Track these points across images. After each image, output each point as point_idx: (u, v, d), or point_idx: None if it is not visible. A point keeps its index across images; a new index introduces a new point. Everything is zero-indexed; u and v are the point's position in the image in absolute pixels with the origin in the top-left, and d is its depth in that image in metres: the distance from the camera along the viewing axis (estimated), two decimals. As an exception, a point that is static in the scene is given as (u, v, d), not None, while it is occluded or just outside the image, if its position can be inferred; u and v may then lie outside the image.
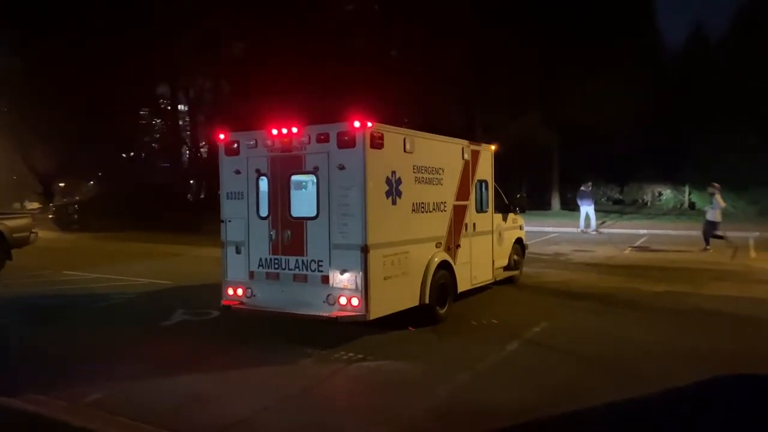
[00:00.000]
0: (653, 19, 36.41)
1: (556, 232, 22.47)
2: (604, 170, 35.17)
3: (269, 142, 7.79)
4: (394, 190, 7.67)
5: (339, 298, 7.30)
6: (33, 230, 14.87)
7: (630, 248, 17.65)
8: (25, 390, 6.00)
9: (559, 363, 6.83)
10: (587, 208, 21.66)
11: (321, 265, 7.47)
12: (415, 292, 8.11)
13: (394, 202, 7.67)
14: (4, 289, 11.86)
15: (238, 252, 8.12)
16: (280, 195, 7.79)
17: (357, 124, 7.11)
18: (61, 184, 45.75)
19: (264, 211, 7.93)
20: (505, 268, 11.50)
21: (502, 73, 27.03)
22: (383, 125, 7.49)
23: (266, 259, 7.89)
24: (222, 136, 8.24)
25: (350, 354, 7.10)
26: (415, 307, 8.16)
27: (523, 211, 12.08)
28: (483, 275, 10.13)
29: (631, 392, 1.75)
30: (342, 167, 7.25)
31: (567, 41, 27.19)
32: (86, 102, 29.35)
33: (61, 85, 29.56)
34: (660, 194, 35.59)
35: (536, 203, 35.51)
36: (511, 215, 11.72)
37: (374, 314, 7.26)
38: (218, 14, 31.93)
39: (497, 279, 10.76)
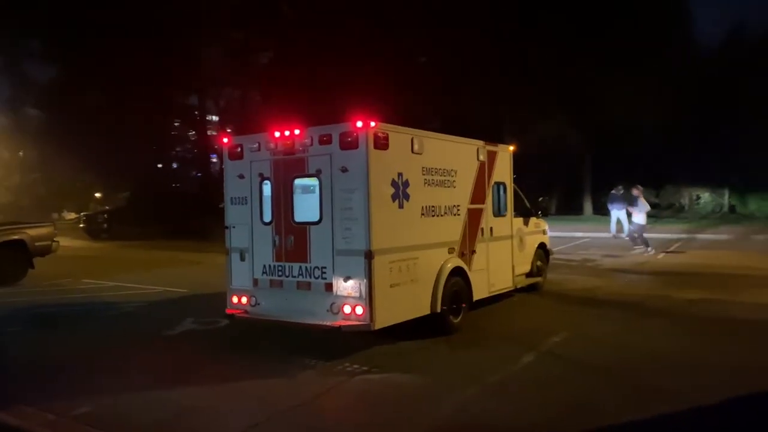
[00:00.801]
0: (690, 18, 35.33)
1: (586, 238, 21.75)
2: (640, 173, 34.18)
3: (272, 145, 7.52)
4: (401, 192, 7.30)
5: (343, 306, 6.96)
6: (55, 239, 14.93)
7: (663, 253, 16.87)
8: (16, 400, 5.87)
9: (576, 376, 6.35)
10: (618, 213, 20.83)
11: (324, 272, 7.14)
12: (425, 301, 7.71)
13: (401, 206, 7.30)
14: (20, 297, 11.89)
15: (242, 259, 7.86)
16: (283, 199, 7.50)
17: (359, 123, 6.77)
18: (97, 195, 46.75)
19: (267, 217, 7.65)
20: (528, 275, 11.00)
21: (531, 75, 26.38)
22: (388, 125, 7.14)
23: (270, 266, 7.60)
24: (225, 140, 8.00)
25: (355, 366, 6.75)
26: (426, 316, 7.76)
27: (545, 215, 11.55)
28: (502, 282, 9.66)
29: (651, 410, 1.36)
30: (345, 169, 6.92)
31: (599, 41, 26.38)
32: (122, 114, 29.91)
33: (98, 98, 30.22)
34: (698, 198, 34.36)
35: (568, 208, 34.75)
36: (533, 219, 11.22)
37: (380, 324, 6.89)
38: (245, 24, 32.34)
39: (518, 286, 10.27)
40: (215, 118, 39.87)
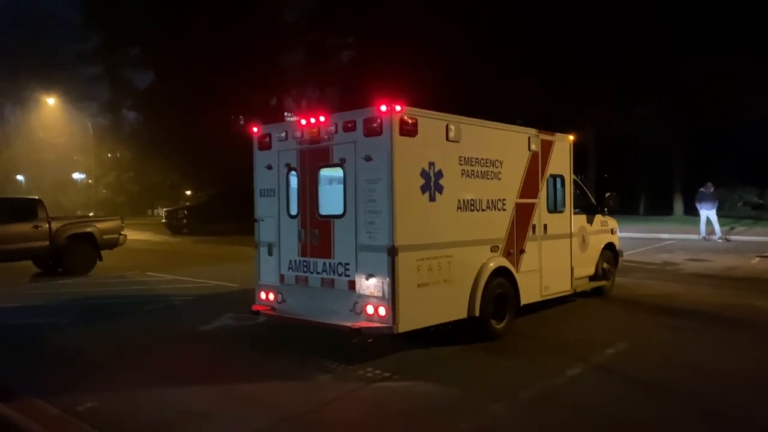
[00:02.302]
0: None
1: (672, 239, 19.99)
2: (741, 170, 31.22)
3: (298, 134, 7.10)
4: (432, 184, 6.65)
5: (366, 306, 6.42)
6: (122, 232, 15.38)
7: (758, 257, 15.06)
8: (30, 392, 5.80)
9: (625, 396, 5.47)
10: (708, 212, 19.00)
11: (348, 269, 6.63)
12: (461, 303, 7.03)
13: (432, 198, 6.66)
14: (83, 288, 12.23)
15: (270, 253, 7.51)
16: (309, 191, 7.06)
17: (383, 108, 6.21)
18: (188, 192, 48.81)
19: (294, 209, 7.24)
20: (591, 278, 10.00)
21: (612, 61, 24.57)
22: (418, 110, 6.51)
23: (296, 262, 7.19)
24: (255, 130, 7.68)
25: (376, 372, 6.20)
26: (465, 320, 7.09)
27: (612, 212, 10.46)
28: (558, 285, 8.76)
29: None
30: (369, 158, 6.38)
31: (691, 18, 24.00)
32: (208, 116, 31.02)
33: (187, 101, 31.52)
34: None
35: (656, 207, 32.36)
36: (599, 217, 10.20)
37: (404, 327, 6.29)
38: (323, 25, 32.75)
39: (578, 290, 9.31)
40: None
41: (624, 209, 30.98)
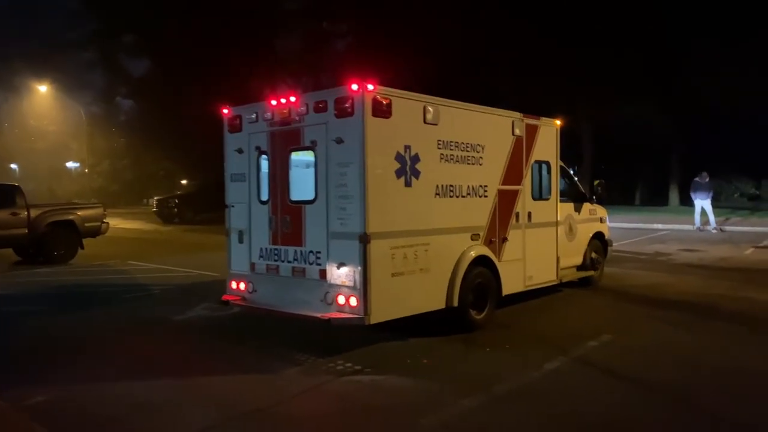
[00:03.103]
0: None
1: (666, 230, 19.72)
2: (737, 162, 30.94)
3: (269, 115, 6.78)
4: (408, 168, 6.35)
5: (337, 296, 6.13)
6: (104, 220, 15.06)
7: (753, 248, 14.79)
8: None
9: (603, 391, 5.20)
10: (702, 202, 18.70)
11: (319, 258, 6.33)
12: (439, 293, 6.75)
13: (408, 183, 6.35)
14: (61, 277, 11.94)
15: (240, 241, 7.21)
16: (280, 176, 6.75)
17: (355, 87, 5.88)
18: (183, 181, 48.44)
19: (265, 195, 6.94)
20: (579, 268, 9.73)
21: (609, 51, 24.16)
22: (393, 90, 6.19)
23: (267, 250, 6.90)
24: (225, 111, 7.35)
25: (348, 364, 5.92)
26: (440, 310, 6.80)
27: (601, 200, 10.16)
28: (543, 275, 8.48)
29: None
30: (340, 140, 6.06)
31: (688, 7, 23.58)
32: (203, 104, 30.73)
33: (181, 89, 31.19)
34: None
35: (652, 198, 32.11)
36: (587, 205, 9.90)
37: (376, 317, 6.01)
38: (319, 13, 32.41)
39: (564, 280, 9.04)
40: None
41: (620, 199, 30.91)
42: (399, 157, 6.24)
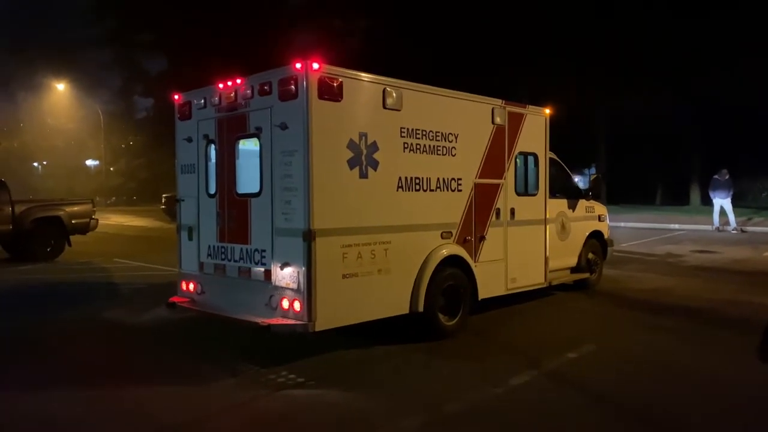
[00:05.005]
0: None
1: (683, 230, 18.72)
2: (764, 159, 29.50)
3: (216, 100, 6.20)
4: (364, 158, 5.70)
5: (282, 300, 5.51)
6: (93, 216, 14.66)
7: (772, 250, 13.83)
8: None
9: (569, 412, 4.49)
10: (722, 201, 17.68)
11: (264, 257, 5.73)
12: (402, 297, 6.09)
13: (363, 175, 5.70)
14: (35, 275, 11.56)
15: (190, 238, 6.65)
16: (227, 166, 6.16)
17: (298, 66, 5.26)
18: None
19: (213, 188, 6.36)
20: (573, 270, 8.99)
21: (623, 41, 23.15)
22: (344, 69, 5.55)
23: (214, 248, 6.32)
24: (176, 98, 6.79)
25: (291, 376, 5.31)
26: (405, 316, 6.15)
27: (597, 197, 9.38)
28: (528, 278, 7.76)
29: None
30: (284, 126, 5.45)
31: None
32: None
33: (197, 85, 31.23)
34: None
35: (672, 197, 30.85)
36: (583, 202, 9.14)
37: (323, 324, 5.37)
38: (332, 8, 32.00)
39: (555, 283, 8.32)
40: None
41: (639, 199, 29.75)
42: (352, 146, 5.60)
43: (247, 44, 29.65)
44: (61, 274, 11.68)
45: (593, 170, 27.77)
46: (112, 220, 30.18)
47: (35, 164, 58.59)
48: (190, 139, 6.56)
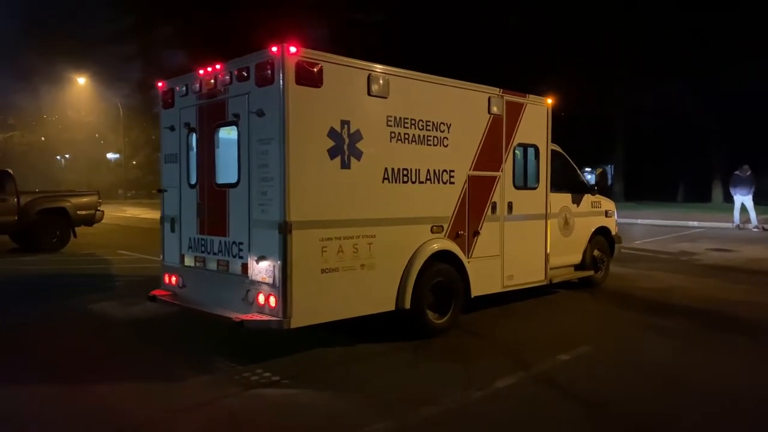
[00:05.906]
0: None
1: (702, 227, 18.15)
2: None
3: (197, 87, 5.99)
4: (346, 147, 5.44)
5: (258, 295, 5.28)
6: (99, 208, 14.63)
7: (794, 249, 13.26)
8: None
9: (551, 419, 4.19)
10: (743, 198, 17.09)
11: (241, 249, 5.51)
12: (387, 293, 5.83)
13: (345, 165, 5.45)
14: (36, 266, 11.54)
15: (172, 230, 6.45)
16: (207, 156, 5.95)
17: (274, 49, 5.01)
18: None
19: (193, 178, 6.15)
20: (577, 267, 8.65)
21: (644, 37, 22.55)
22: (325, 54, 5.28)
23: (195, 240, 6.12)
24: (160, 85, 6.59)
25: (266, 374, 5.09)
26: (390, 313, 5.89)
27: (602, 191, 9.00)
28: (527, 275, 7.44)
29: None
30: (261, 113, 5.21)
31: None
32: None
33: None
34: None
35: (694, 194, 30.10)
36: (588, 197, 8.77)
37: (299, 321, 5.13)
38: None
39: (556, 281, 7.99)
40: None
41: (661, 196, 29.04)
42: (333, 134, 5.34)
43: (260, 33, 29.58)
44: (60, 265, 11.63)
45: (610, 168, 27.19)
46: (128, 212, 30.41)
47: (58, 157, 59.35)
48: (172, 128, 6.36)
